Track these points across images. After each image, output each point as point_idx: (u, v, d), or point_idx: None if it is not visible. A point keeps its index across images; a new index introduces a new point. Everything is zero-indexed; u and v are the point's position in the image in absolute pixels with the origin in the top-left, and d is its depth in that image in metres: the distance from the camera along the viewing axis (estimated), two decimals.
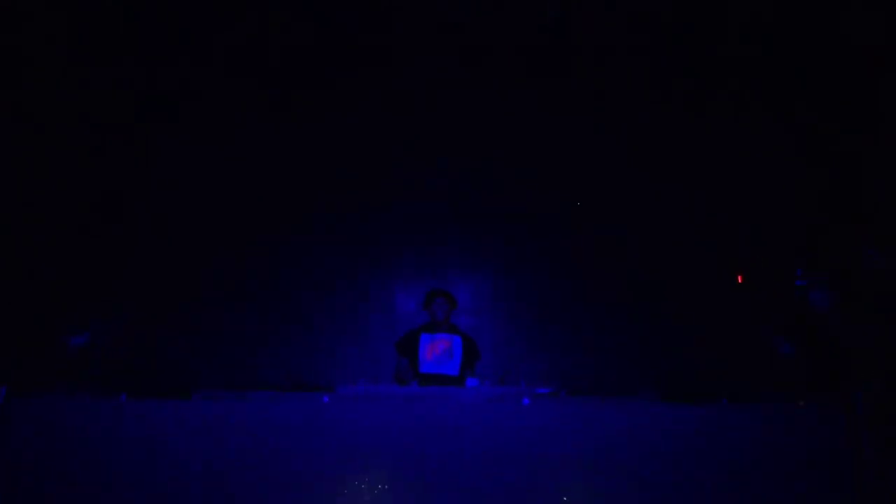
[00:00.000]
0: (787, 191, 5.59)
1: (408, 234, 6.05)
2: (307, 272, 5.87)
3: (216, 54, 5.58)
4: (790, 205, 5.57)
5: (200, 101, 5.77)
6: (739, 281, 5.58)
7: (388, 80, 5.89)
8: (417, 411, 3.35)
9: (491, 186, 6.03)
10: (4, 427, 3.17)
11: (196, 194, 5.82)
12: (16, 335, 4.64)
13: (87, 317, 5.03)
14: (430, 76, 5.84)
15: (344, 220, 5.99)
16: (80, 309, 5.20)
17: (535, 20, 5.51)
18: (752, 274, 5.57)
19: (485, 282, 5.99)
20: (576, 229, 5.93)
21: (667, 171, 5.88)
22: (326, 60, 5.74)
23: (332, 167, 5.99)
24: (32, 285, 5.03)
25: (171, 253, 5.68)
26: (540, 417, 3.33)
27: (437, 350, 4.62)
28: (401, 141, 6.04)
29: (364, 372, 4.61)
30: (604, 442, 3.25)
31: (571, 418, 3.33)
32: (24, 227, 5.12)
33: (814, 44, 5.14)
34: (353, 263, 5.94)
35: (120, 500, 3.09)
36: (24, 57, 5.04)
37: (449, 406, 3.47)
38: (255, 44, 5.60)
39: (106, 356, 4.58)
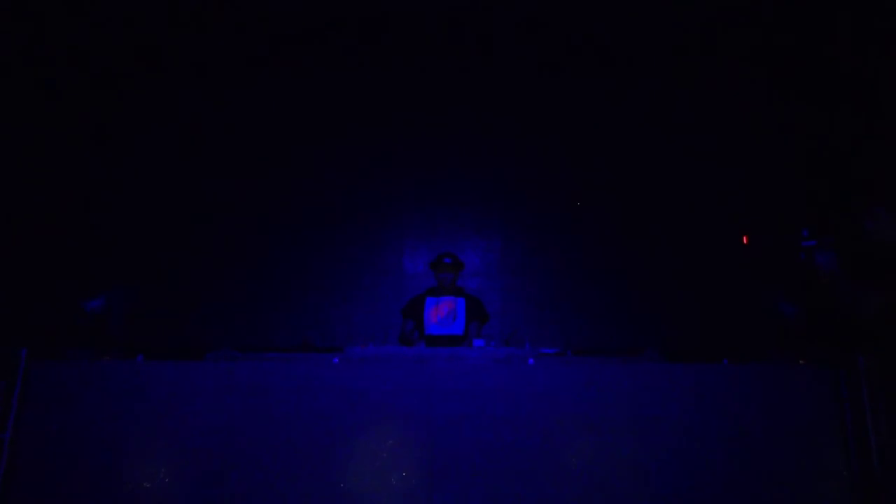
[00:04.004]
0: (794, 150, 5.57)
1: (417, 198, 6.07)
2: (317, 236, 5.92)
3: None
4: (796, 164, 5.56)
5: (211, 52, 5.83)
6: (745, 242, 5.58)
7: (403, 47, 5.90)
8: (425, 371, 3.42)
9: (499, 151, 6.03)
10: (25, 389, 3.27)
11: (207, 160, 5.87)
12: (34, 300, 4.73)
13: (103, 281, 5.13)
14: (434, 43, 5.85)
15: (354, 183, 6.02)
16: (96, 273, 5.29)
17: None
18: (757, 235, 5.58)
19: (492, 245, 6.02)
20: (581, 194, 5.94)
21: (670, 133, 5.87)
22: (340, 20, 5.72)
23: (340, 130, 6.01)
24: (50, 251, 5.11)
25: (184, 218, 5.75)
26: (545, 377, 3.40)
27: (441, 312, 4.73)
28: (411, 104, 6.05)
29: (373, 335, 4.70)
30: (608, 400, 3.32)
31: (576, 378, 3.39)
32: (42, 195, 5.20)
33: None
34: (362, 226, 5.98)
35: (137, 459, 3.20)
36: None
37: (456, 366, 3.53)
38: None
39: (122, 319, 4.68)
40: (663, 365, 3.56)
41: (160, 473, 3.17)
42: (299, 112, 6.04)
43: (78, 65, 5.47)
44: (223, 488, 3.15)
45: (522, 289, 5.87)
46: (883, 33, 4.71)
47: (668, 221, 5.75)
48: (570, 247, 5.87)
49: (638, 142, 5.87)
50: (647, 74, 5.95)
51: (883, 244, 4.08)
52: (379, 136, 6.03)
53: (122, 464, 3.19)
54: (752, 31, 5.48)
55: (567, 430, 3.26)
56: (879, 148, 4.76)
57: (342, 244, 5.94)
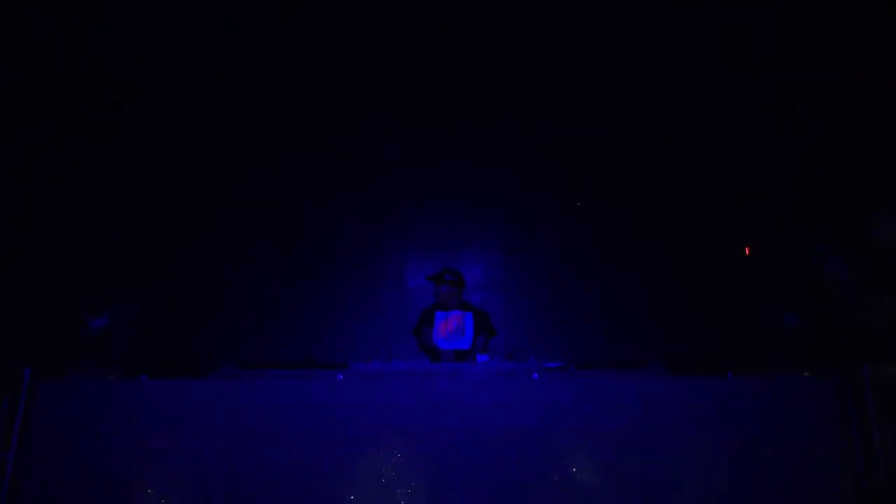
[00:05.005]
0: (801, 157, 5.56)
1: (420, 212, 6.07)
2: (320, 252, 5.91)
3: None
4: (803, 172, 5.54)
5: (213, 63, 5.87)
6: (747, 253, 5.57)
7: (403, 59, 5.92)
8: (430, 387, 3.42)
9: (502, 164, 6.04)
10: (29, 408, 3.27)
11: (211, 175, 5.89)
12: (37, 319, 4.73)
13: (107, 299, 5.13)
14: (440, 54, 5.88)
15: (357, 199, 6.03)
16: (100, 291, 5.30)
17: None
18: (762, 245, 5.56)
19: (494, 259, 6.01)
20: (585, 205, 5.93)
21: (675, 142, 5.87)
22: (344, 36, 5.75)
23: (343, 145, 6.03)
24: (53, 269, 5.12)
25: (187, 235, 5.76)
26: (549, 392, 3.39)
27: (450, 327, 4.73)
28: (413, 120, 6.07)
29: (376, 350, 4.68)
30: (613, 414, 3.31)
31: (581, 392, 3.38)
32: (43, 211, 5.21)
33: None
34: (365, 242, 5.98)
35: (142, 478, 3.19)
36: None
37: (460, 381, 3.53)
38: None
39: (126, 337, 4.68)
40: (668, 378, 3.56)
41: (165, 494, 3.16)
42: (302, 126, 6.05)
43: (80, 79, 5.52)
44: None
45: (525, 303, 5.85)
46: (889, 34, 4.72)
47: (672, 233, 5.73)
48: (572, 260, 5.85)
49: (641, 151, 5.86)
50: (649, 80, 5.96)
51: (892, 253, 4.07)
52: (381, 150, 6.04)
53: (126, 483, 3.18)
54: (755, 34, 5.47)
55: (572, 444, 3.26)
56: (889, 154, 4.75)
57: (344, 259, 5.93)
